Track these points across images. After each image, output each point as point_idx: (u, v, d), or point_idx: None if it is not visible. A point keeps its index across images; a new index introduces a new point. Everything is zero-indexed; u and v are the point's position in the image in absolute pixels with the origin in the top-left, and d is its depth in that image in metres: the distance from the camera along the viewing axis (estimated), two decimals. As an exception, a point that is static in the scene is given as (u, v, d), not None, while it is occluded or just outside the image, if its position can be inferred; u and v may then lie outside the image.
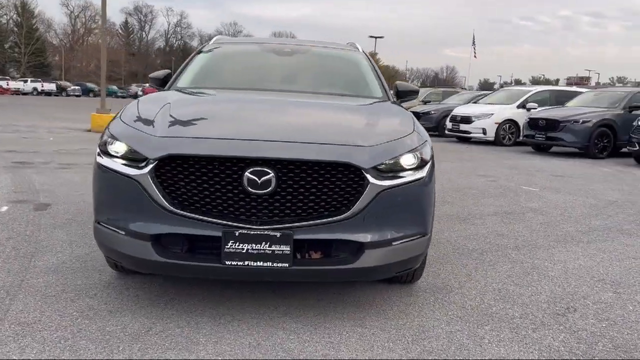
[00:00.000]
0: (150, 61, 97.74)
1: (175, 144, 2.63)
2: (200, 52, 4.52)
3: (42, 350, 2.41)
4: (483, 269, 3.84)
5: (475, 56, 75.86)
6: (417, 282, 3.43)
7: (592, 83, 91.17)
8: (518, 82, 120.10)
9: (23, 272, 3.37)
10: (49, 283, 3.20)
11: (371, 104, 3.75)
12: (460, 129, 16.04)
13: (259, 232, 2.56)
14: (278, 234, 2.56)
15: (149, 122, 2.88)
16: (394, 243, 2.75)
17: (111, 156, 2.77)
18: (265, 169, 2.54)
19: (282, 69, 4.44)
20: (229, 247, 2.56)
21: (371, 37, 59.79)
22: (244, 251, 2.57)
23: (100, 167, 2.79)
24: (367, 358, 2.48)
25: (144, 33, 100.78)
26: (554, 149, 14.21)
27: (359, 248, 2.68)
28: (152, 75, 4.28)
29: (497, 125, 15.36)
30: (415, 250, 2.86)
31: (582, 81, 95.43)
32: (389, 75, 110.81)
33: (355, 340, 2.65)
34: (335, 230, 2.64)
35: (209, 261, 2.63)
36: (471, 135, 15.76)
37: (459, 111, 16.50)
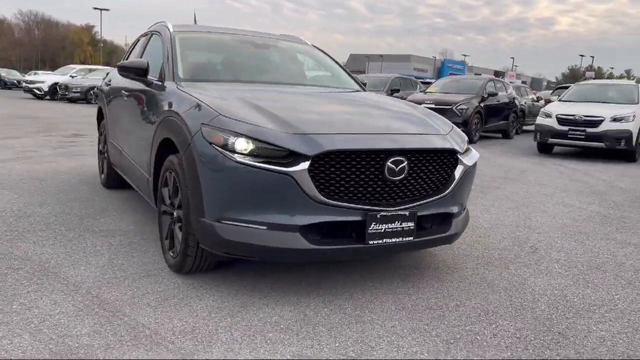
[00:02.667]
0: None
1: (329, 140, 2.81)
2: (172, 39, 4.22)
3: (255, 349, 2.43)
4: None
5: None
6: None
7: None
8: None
9: (75, 290, 2.98)
10: (127, 295, 2.95)
11: (375, 95, 4.27)
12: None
13: (394, 213, 2.97)
14: (407, 213, 3.01)
15: (263, 119, 2.93)
16: (462, 212, 3.44)
17: (237, 153, 2.77)
18: (401, 158, 2.95)
19: (271, 63, 4.54)
20: (371, 228, 2.91)
21: (96, 8, 55.24)
22: (383, 231, 2.94)
23: (237, 166, 2.74)
24: (492, 308, 3.14)
25: None
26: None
27: (449, 218, 3.29)
28: (126, 64, 3.93)
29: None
30: (468, 217, 3.60)
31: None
32: (107, 50, 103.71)
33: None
34: (439, 205, 3.20)
35: (354, 243, 2.92)
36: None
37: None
